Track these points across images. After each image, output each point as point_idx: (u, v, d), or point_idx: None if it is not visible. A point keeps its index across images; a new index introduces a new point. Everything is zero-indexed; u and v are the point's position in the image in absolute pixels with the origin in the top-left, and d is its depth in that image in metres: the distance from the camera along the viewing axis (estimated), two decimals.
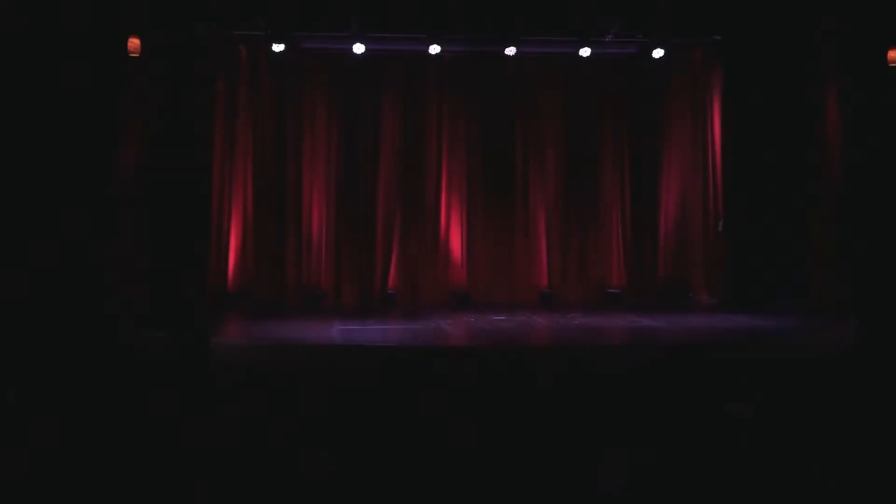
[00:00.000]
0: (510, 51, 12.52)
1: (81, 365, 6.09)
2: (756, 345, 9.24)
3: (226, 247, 12.51)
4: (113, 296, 10.47)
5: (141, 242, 11.18)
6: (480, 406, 4.96)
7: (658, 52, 12.67)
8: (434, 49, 12.36)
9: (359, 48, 12.23)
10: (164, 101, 11.50)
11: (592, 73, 13.20)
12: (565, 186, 13.36)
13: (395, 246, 12.92)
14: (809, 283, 11.63)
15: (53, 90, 10.03)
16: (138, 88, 11.04)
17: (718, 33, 12.71)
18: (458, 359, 8.73)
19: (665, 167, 13.31)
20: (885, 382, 6.64)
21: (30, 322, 8.80)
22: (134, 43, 10.35)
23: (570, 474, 4.06)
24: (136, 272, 11.05)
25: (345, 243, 12.90)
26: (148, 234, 11.29)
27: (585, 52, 12.59)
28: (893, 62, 9.72)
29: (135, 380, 5.48)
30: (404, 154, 13.08)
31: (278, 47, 12.18)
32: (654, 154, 13.37)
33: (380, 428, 4.52)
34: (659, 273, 13.27)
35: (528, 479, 3.97)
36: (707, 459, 3.99)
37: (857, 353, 9.40)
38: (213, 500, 3.67)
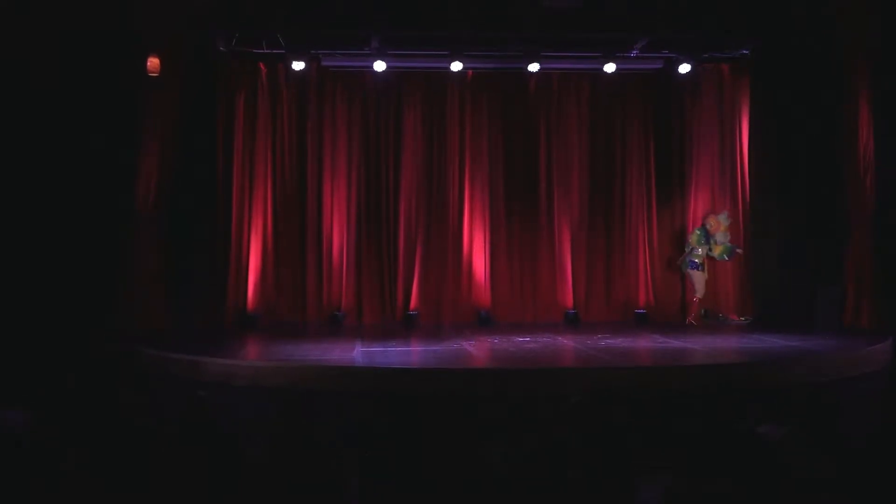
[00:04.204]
0: (533, 67, 12.53)
1: (84, 377, 6.15)
2: (789, 365, 9.13)
3: (246, 266, 12.56)
4: (126, 312, 10.59)
5: (158, 258, 11.29)
6: (504, 430, 4.93)
7: (684, 67, 12.63)
8: (456, 66, 12.39)
9: (380, 66, 12.28)
10: (182, 121, 11.63)
11: (617, 88, 13.18)
12: (590, 204, 13.30)
13: (417, 266, 12.90)
14: (844, 303, 11.50)
15: (70, 106, 10.19)
16: (158, 109, 11.18)
17: (746, 47, 12.67)
18: (481, 382, 8.69)
19: (692, 184, 13.22)
20: None
21: (37, 334, 8.90)
22: (153, 63, 10.46)
23: (598, 498, 4.03)
24: (154, 288, 11.15)
25: (366, 263, 12.91)
26: (165, 251, 11.39)
27: (610, 67, 12.58)
28: None
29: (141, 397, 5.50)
30: (426, 172, 13.09)
31: (298, 65, 12.26)
32: (681, 171, 13.29)
33: (402, 450, 4.51)
34: (688, 293, 13.15)
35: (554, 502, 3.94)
36: (739, 483, 3.94)
37: (893, 373, 9.28)
38: None
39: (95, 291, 10.47)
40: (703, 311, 12.91)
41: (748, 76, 13.02)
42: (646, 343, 11.11)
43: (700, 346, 10.41)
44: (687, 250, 12.75)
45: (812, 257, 11.88)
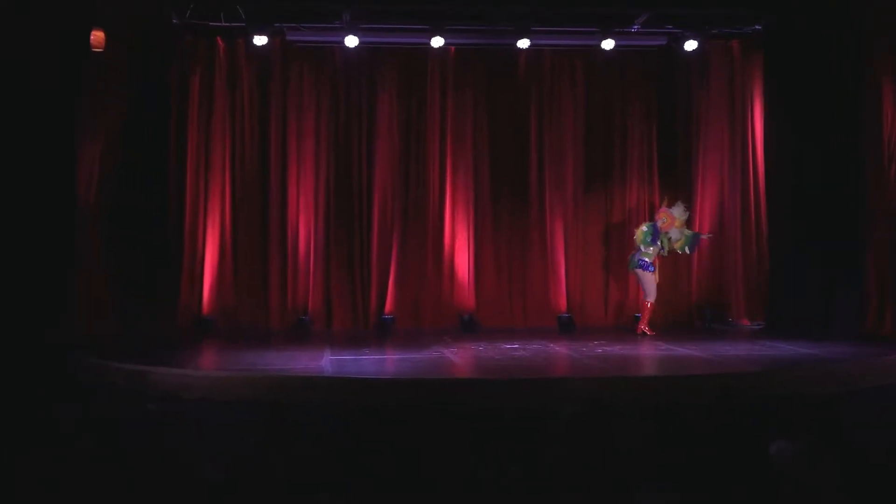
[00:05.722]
0: (523, 43, 12.57)
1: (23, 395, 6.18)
2: (802, 376, 9.22)
3: (201, 265, 12.55)
4: (69, 322, 10.54)
5: (103, 256, 11.24)
6: (489, 446, 4.96)
7: (690, 44, 12.71)
8: (437, 42, 12.42)
9: (351, 41, 12.29)
10: (130, 103, 11.58)
11: (616, 67, 13.26)
12: (586, 195, 13.39)
13: (392, 264, 12.94)
14: (866, 308, 11.58)
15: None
16: (101, 88, 11.12)
17: (758, 22, 12.75)
18: (464, 393, 8.73)
19: (699, 175, 13.31)
20: None
21: None
22: (97, 36, 10.40)
23: None
24: (98, 289, 11.11)
25: (336, 261, 12.93)
26: (110, 248, 11.35)
27: (609, 44, 12.64)
28: None
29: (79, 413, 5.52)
30: (403, 160, 13.12)
31: (260, 40, 12.25)
32: (686, 159, 13.39)
33: (375, 467, 4.54)
34: (693, 295, 13.25)
35: None
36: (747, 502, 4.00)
37: None
38: None
39: (32, 295, 10.40)
40: (709, 315, 13.00)
41: (761, 54, 13.11)
42: (647, 350, 11.18)
43: (706, 354, 10.49)
44: (636, 248, 12.46)
45: (830, 256, 11.95)
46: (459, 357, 10.64)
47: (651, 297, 12.32)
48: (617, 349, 11.01)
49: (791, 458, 4.40)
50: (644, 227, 12.45)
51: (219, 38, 12.74)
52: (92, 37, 10.37)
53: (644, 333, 12.20)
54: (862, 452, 4.60)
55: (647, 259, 12.30)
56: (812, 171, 12.20)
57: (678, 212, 12.52)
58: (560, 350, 11.09)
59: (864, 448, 4.69)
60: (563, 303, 13.17)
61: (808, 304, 12.09)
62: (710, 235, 12.96)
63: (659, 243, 12.37)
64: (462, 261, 13.08)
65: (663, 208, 12.66)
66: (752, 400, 8.34)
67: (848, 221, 11.80)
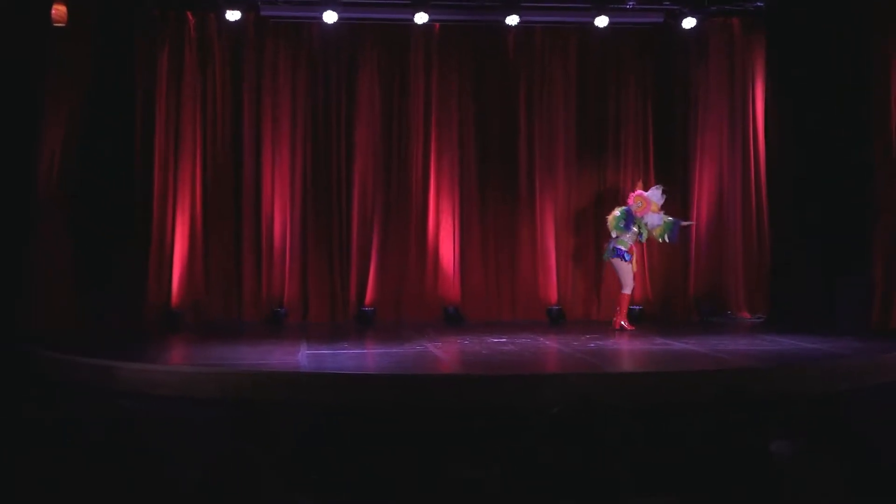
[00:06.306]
0: (512, 20, 12.55)
1: None
2: (805, 371, 9.26)
3: (170, 254, 12.49)
4: (28, 310, 10.50)
5: (66, 246, 11.19)
6: (474, 446, 4.97)
7: (689, 22, 12.71)
8: (421, 18, 12.38)
9: (330, 17, 12.24)
10: (94, 81, 11.51)
11: (611, 46, 13.24)
12: (578, 182, 13.38)
13: (373, 253, 12.91)
14: (872, 300, 11.63)
15: None
16: (63, 66, 11.04)
17: None
18: (448, 389, 8.73)
19: (697, 159, 13.31)
20: None
21: None
22: (59, 10, 10.33)
23: None
24: (61, 280, 11.07)
25: (313, 250, 12.90)
26: (74, 237, 11.30)
27: (603, 21, 12.62)
28: None
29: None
30: (385, 143, 13.08)
31: (233, 15, 12.18)
32: (684, 143, 13.39)
33: (355, 468, 4.54)
34: (691, 286, 13.27)
35: None
36: None
37: None
38: None
39: None
40: (707, 307, 13.01)
41: (763, 33, 13.12)
42: (642, 345, 11.20)
43: (704, 348, 10.52)
44: (613, 236, 12.14)
45: (835, 245, 11.99)
46: (444, 352, 10.63)
47: (628, 289, 12.04)
48: (610, 343, 11.04)
49: (793, 456, 4.42)
50: (617, 212, 12.09)
51: (188, 13, 12.64)
52: (54, 11, 10.30)
53: (622, 328, 11.98)
54: (867, 451, 4.62)
55: (622, 247, 11.96)
56: (816, 157, 12.23)
57: (655, 195, 12.21)
58: (550, 344, 11.11)
59: (869, 447, 4.71)
60: (553, 294, 13.16)
61: (811, 297, 12.14)
62: (691, 223, 12.94)
63: (635, 229, 12.07)
64: (447, 249, 13.06)
65: (638, 191, 12.33)
66: (753, 397, 8.38)
67: (853, 209, 11.85)
